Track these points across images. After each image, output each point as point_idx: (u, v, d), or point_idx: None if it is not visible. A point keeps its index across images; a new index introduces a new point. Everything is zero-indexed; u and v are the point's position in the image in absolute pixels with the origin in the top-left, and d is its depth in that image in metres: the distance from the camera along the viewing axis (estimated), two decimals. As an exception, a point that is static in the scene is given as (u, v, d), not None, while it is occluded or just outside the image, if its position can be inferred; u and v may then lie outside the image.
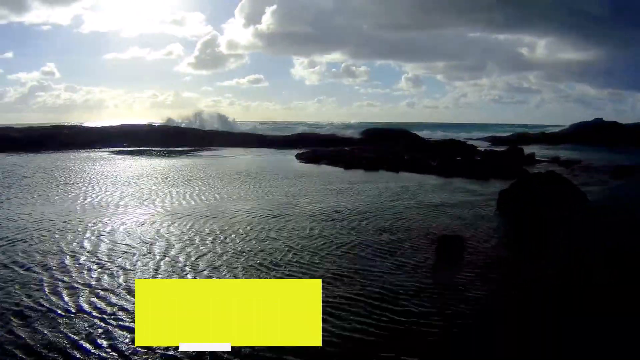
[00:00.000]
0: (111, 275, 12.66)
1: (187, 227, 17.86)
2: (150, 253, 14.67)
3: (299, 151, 50.61)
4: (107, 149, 56.57)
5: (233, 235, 16.74)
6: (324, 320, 8.78)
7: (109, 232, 17.06)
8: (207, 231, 17.32)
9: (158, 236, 16.59)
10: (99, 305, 10.67)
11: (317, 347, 7.56)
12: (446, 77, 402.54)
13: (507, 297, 11.43)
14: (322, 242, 15.92)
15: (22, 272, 12.94)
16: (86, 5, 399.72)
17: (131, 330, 9.20)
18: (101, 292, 11.40)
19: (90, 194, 25.38)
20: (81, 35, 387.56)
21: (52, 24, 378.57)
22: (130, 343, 8.83)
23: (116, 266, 13.38)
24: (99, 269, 13.09)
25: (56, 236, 16.52)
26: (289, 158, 48.72)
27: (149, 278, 12.45)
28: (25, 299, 11.05)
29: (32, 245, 15.47)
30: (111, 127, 74.68)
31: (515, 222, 19.50)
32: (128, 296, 11.16)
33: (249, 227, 17.92)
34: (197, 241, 15.95)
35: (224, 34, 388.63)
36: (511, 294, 11.60)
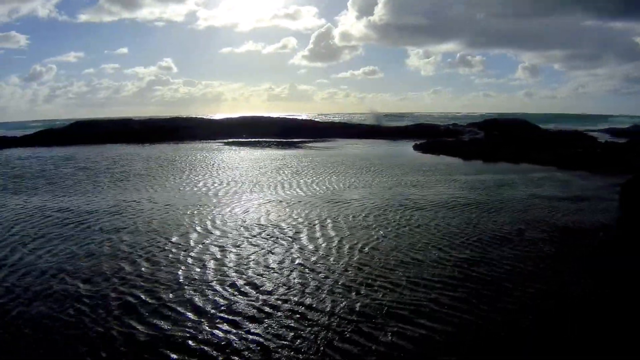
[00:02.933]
0: (231, 259, 13.04)
1: (303, 215, 17.92)
2: (268, 239, 14.88)
3: (417, 142, 49.33)
4: (225, 140, 57.66)
5: (348, 223, 16.66)
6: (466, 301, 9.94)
7: (225, 219, 17.44)
8: (323, 219, 17.27)
9: (272, 222, 16.88)
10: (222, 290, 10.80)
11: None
12: (563, 66, 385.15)
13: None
14: (441, 232, 15.48)
15: (142, 254, 13.47)
16: (199, 2, 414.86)
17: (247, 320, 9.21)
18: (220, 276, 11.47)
19: (206, 182, 26.28)
20: (196, 31, 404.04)
21: (165, 20, 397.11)
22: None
23: (234, 251, 13.73)
24: (220, 253, 13.52)
25: (174, 223, 16.97)
26: (405, 149, 47.68)
27: (270, 263, 12.63)
28: (154, 277, 11.23)
29: (154, 230, 16.16)
30: (230, 119, 76.32)
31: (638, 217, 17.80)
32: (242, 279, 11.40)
33: (367, 217, 17.63)
34: (314, 229, 15.99)
35: (338, 26, 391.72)
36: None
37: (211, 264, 12.57)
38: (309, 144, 53.47)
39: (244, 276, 11.62)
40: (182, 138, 58.84)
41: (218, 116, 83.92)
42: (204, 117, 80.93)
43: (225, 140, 57.40)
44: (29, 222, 17.28)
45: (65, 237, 15.32)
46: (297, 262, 12.61)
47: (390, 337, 8.42)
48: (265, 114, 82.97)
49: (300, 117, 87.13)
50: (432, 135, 58.74)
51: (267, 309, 9.72)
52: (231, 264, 12.53)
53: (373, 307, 9.73)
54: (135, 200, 20.96)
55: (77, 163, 35.80)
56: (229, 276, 11.65)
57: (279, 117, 78.65)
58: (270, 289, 10.81)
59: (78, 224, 16.98)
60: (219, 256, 13.23)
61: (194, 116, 76.70)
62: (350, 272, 11.79)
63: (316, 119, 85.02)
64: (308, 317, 9.29)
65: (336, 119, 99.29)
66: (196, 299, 10.35)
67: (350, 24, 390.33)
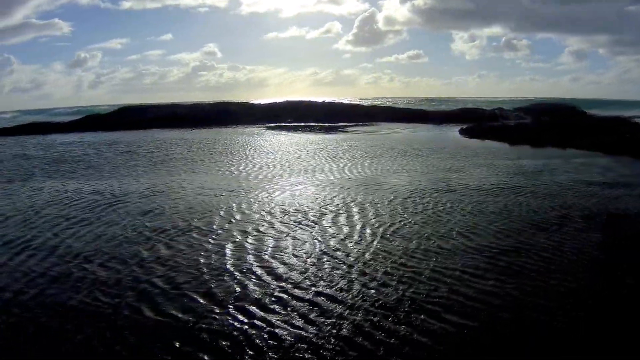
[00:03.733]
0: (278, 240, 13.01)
1: (336, 200, 17.57)
2: (296, 224, 14.56)
3: (463, 126, 48.51)
4: (268, 125, 57.70)
5: (381, 209, 16.16)
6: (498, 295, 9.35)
7: (256, 203, 17.27)
8: (357, 203, 16.93)
9: (304, 207, 16.60)
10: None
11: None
12: (608, 51, 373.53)
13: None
14: (478, 219, 14.86)
15: (162, 238, 13.33)
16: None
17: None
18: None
19: (242, 166, 26.26)
20: (239, 16, 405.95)
21: (209, 6, 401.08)
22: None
23: (280, 232, 13.72)
24: (244, 238, 13.24)
25: (201, 207, 16.86)
26: (450, 133, 46.90)
27: (294, 249, 12.30)
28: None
29: (179, 213, 16.11)
30: (274, 103, 76.29)
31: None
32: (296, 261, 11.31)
33: (401, 202, 17.15)
34: (346, 214, 15.62)
35: (382, 10, 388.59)
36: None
37: (233, 249, 12.28)
38: (352, 128, 53.01)
39: (265, 263, 11.28)
40: (226, 123, 59.09)
41: (262, 101, 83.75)
42: (249, 102, 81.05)
43: (268, 125, 57.43)
44: (60, 206, 17.36)
45: (92, 221, 15.29)
46: (323, 249, 12.18)
47: (413, 332, 7.88)
48: (310, 99, 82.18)
49: (344, 102, 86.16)
50: (477, 120, 57.51)
51: (285, 298, 9.36)
52: (254, 250, 12.21)
53: (398, 298, 9.20)
54: (168, 185, 20.93)
55: (119, 148, 36.19)
56: (249, 262, 11.34)
57: (322, 102, 78.19)
58: (291, 276, 10.41)
59: (107, 207, 16.98)
60: (241, 241, 12.95)
61: (238, 101, 76.92)
62: (377, 260, 11.26)
63: (360, 104, 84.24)
64: (329, 308, 8.84)
65: (380, 103, 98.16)
66: (212, 285, 10.03)
67: (394, 8, 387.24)
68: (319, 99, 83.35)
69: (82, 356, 7.47)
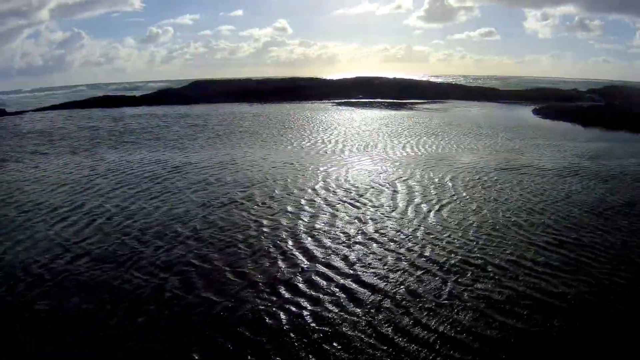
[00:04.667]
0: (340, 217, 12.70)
1: (400, 176, 17.17)
2: (365, 199, 14.36)
3: (535, 106, 46.89)
4: (338, 100, 57.20)
5: (455, 187, 15.80)
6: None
7: (337, 176, 17.28)
8: (445, 180, 16.61)
9: (375, 182, 16.38)
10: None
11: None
12: None
13: None
14: (543, 202, 14.15)
15: (200, 211, 13.23)
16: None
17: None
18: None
19: (306, 140, 25.99)
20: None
21: None
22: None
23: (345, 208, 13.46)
24: (290, 214, 12.98)
25: (285, 179, 16.89)
26: (522, 112, 45.27)
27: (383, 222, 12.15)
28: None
29: (255, 185, 16.20)
30: (344, 79, 75.67)
31: None
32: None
33: (471, 180, 16.72)
34: (435, 190, 15.39)
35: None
36: None
37: (287, 223, 12.08)
38: (422, 106, 51.90)
39: (316, 239, 11.00)
40: (297, 98, 58.97)
41: (332, 77, 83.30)
42: (319, 77, 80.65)
43: (337, 101, 56.92)
44: (115, 176, 17.62)
45: (140, 191, 15.48)
46: (371, 229, 11.67)
47: (447, 328, 7.33)
48: (380, 75, 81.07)
49: (414, 79, 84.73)
50: (550, 100, 55.47)
51: (341, 282, 8.91)
52: (307, 226, 11.90)
53: (437, 288, 8.65)
54: (231, 157, 20.96)
55: (188, 121, 36.58)
56: (294, 242, 10.99)
57: (393, 78, 76.87)
58: (346, 258, 9.96)
59: (165, 178, 17.14)
60: (296, 215, 12.71)
61: (309, 76, 76.66)
62: (427, 245, 10.69)
63: (431, 80, 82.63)
64: (365, 294, 8.38)
65: (451, 81, 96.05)
66: (248, 263, 9.83)
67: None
68: (390, 76, 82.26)
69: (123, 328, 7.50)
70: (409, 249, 10.40)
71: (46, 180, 17.14)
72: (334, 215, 12.73)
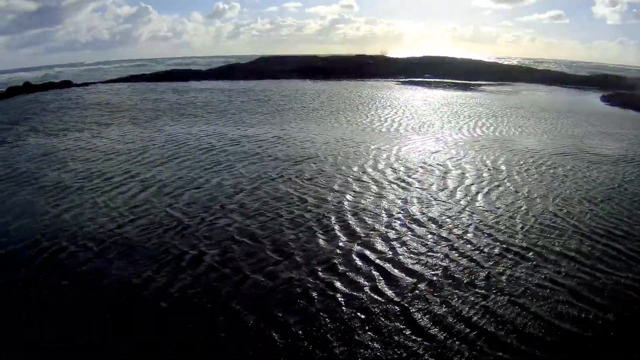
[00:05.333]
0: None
1: (461, 158, 16.67)
2: (419, 179, 14.01)
3: (604, 93, 45.09)
4: (404, 79, 56.48)
5: (510, 171, 15.16)
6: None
7: (388, 155, 16.93)
8: (497, 163, 16.07)
9: (432, 162, 15.98)
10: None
11: None
12: None
13: None
14: (604, 190, 13.47)
15: (246, 185, 13.31)
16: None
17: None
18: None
19: (374, 119, 25.49)
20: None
21: None
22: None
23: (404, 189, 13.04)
24: (339, 193, 12.69)
25: (337, 156, 16.73)
26: (590, 99, 43.53)
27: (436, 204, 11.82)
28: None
29: (275, 160, 15.84)
30: (411, 58, 74.62)
31: None
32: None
33: (529, 165, 16.06)
34: (487, 172, 14.94)
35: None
36: None
37: (319, 203, 11.89)
38: (488, 87, 50.56)
39: (359, 221, 10.73)
40: (363, 75, 58.49)
41: (399, 55, 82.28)
42: (385, 55, 79.74)
43: (403, 80, 56.18)
44: (171, 147, 17.94)
45: (193, 162, 15.71)
46: (426, 211, 11.34)
47: (506, 317, 7.09)
48: (448, 55, 79.51)
49: (482, 60, 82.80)
50: (620, 88, 53.30)
51: (377, 263, 8.70)
52: (346, 207, 11.69)
53: (497, 277, 8.29)
54: (290, 132, 20.98)
55: (251, 95, 36.84)
56: (336, 219, 10.85)
57: (460, 58, 75.25)
58: (385, 239, 9.73)
59: (214, 151, 17.33)
60: (332, 195, 12.51)
61: (374, 54, 75.89)
62: (475, 230, 10.30)
63: (499, 62, 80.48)
64: (407, 278, 8.14)
65: (520, 63, 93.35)
66: (288, 240, 9.77)
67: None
68: (457, 56, 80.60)
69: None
70: (450, 232, 10.10)
71: (103, 150, 17.62)
72: (379, 195, 12.48)
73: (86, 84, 48.65)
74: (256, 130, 21.44)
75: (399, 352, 6.30)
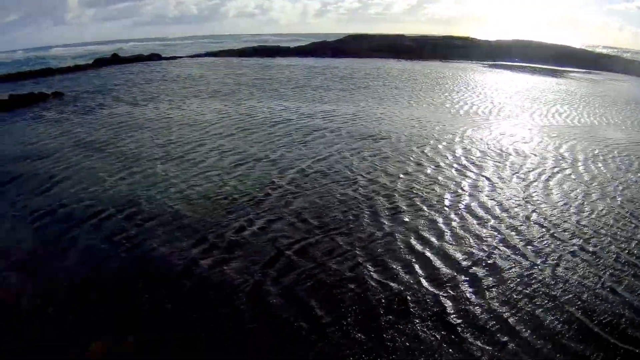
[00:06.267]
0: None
1: (546, 147, 15.71)
2: (497, 165, 13.34)
3: None
4: (492, 62, 54.94)
5: (591, 161, 14.29)
6: None
7: (460, 139, 16.18)
8: (566, 153, 15.10)
9: (508, 148, 15.23)
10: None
11: None
12: None
13: None
14: None
15: (311, 163, 13.02)
16: None
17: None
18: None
19: (456, 101, 24.56)
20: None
21: None
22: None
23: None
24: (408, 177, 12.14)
25: (410, 136, 16.31)
26: None
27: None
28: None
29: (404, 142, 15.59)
30: (500, 41, 72.49)
31: None
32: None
33: (614, 157, 14.91)
34: (559, 160, 14.09)
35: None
36: None
37: (374, 185, 11.56)
38: (575, 74, 48.51)
39: (412, 206, 10.26)
40: (450, 57, 57.32)
41: (487, 37, 80.00)
42: (473, 37, 77.80)
43: (490, 63, 54.50)
44: (243, 120, 18.25)
45: (260, 136, 15.82)
46: (487, 201, 10.65)
47: (553, 324, 6.63)
48: (535, 39, 76.56)
49: (571, 46, 79.43)
50: None
51: (421, 253, 8.20)
52: (402, 190, 11.31)
53: (546, 277, 7.83)
54: (358, 110, 20.73)
55: (335, 73, 36.72)
56: (389, 203, 10.50)
57: (548, 43, 72.38)
58: (436, 228, 9.20)
59: (282, 125, 17.43)
60: (390, 177, 12.14)
61: (463, 36, 74.19)
62: (542, 225, 9.53)
63: (588, 49, 76.89)
64: (466, 274, 7.61)
65: (609, 52, 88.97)
66: (334, 220, 9.58)
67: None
68: (545, 40, 77.67)
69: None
70: (508, 226, 9.42)
71: (180, 120, 18.13)
72: (437, 181, 11.92)
73: (173, 57, 49.95)
74: (333, 106, 21.38)
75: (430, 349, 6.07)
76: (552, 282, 7.39)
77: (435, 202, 10.45)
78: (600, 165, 13.86)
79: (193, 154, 13.72)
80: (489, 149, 14.91)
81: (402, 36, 71.58)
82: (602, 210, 10.41)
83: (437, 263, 7.89)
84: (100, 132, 16.44)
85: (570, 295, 7.06)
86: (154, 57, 48.70)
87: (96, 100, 22.78)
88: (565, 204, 10.66)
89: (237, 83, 29.16)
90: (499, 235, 8.94)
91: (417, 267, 7.76)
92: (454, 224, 9.39)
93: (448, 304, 6.81)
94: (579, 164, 13.84)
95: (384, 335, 6.16)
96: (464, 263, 7.91)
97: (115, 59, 44.29)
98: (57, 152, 14.06)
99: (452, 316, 6.55)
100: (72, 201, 10.30)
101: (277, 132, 16.39)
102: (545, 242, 8.76)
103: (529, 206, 10.40)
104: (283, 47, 61.95)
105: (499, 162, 13.55)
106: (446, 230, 9.07)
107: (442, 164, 13.19)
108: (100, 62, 42.36)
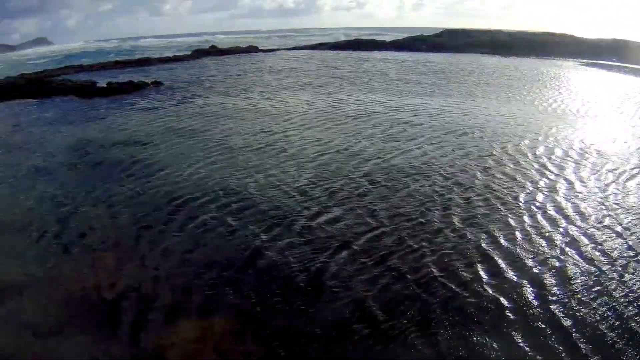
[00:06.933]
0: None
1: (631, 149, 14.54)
2: (595, 169, 12.43)
3: None
4: (590, 60, 52.53)
5: None
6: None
7: (545, 140, 15.24)
8: None
9: (609, 151, 14.06)
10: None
11: None
12: None
13: None
14: None
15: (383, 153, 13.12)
16: None
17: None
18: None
19: (554, 100, 22.99)
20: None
21: None
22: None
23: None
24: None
25: (495, 133, 15.93)
26: None
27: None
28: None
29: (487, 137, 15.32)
30: (601, 40, 69.50)
31: None
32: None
33: None
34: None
35: None
36: None
37: (451, 184, 11.39)
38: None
39: (487, 206, 10.02)
40: (547, 53, 55.40)
41: (587, 35, 76.74)
42: (571, 34, 74.93)
43: (588, 61, 51.96)
44: (330, 112, 18.53)
45: (335, 126, 16.21)
46: (566, 206, 10.04)
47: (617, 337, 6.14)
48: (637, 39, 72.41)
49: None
50: None
51: (490, 256, 7.91)
52: (479, 188, 11.09)
53: (614, 285, 7.26)
54: (443, 104, 20.41)
55: (427, 67, 36.28)
56: (463, 207, 10.33)
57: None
58: (509, 233, 8.94)
59: (364, 118, 17.57)
60: (468, 175, 11.94)
61: (561, 32, 71.54)
62: (617, 233, 8.90)
63: None
64: (538, 284, 7.17)
65: None
66: (409, 215, 9.61)
67: None
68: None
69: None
70: (579, 229, 8.97)
71: (266, 111, 18.81)
72: (514, 180, 11.54)
73: (270, 50, 50.91)
74: (422, 100, 21.30)
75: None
76: (616, 290, 7.07)
77: (509, 201, 10.21)
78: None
79: (277, 143, 14.13)
80: (571, 148, 14.14)
81: (498, 31, 69.91)
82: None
83: (503, 265, 7.71)
84: (191, 120, 17.36)
85: (634, 309, 6.65)
86: (252, 49, 49.85)
87: (191, 90, 23.85)
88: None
89: (328, 75, 29.53)
90: (568, 239, 8.58)
91: (481, 266, 7.65)
92: (525, 225, 9.13)
93: (507, 304, 6.71)
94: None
95: (439, 336, 6.13)
96: (530, 265, 7.69)
97: (213, 50, 45.65)
98: (149, 138, 15.01)
99: (510, 317, 6.46)
100: (156, 185, 11.07)
101: (362, 124, 16.52)
102: (616, 247, 8.32)
103: (604, 210, 9.88)
104: (379, 40, 61.82)
105: (580, 162, 12.88)
106: (516, 233, 8.80)
107: (522, 162, 12.81)
108: (199, 53, 43.79)
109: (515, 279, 7.31)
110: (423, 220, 9.17)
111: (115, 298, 6.89)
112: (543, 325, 6.30)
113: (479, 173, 11.90)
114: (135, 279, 7.35)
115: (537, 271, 7.54)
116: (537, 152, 13.75)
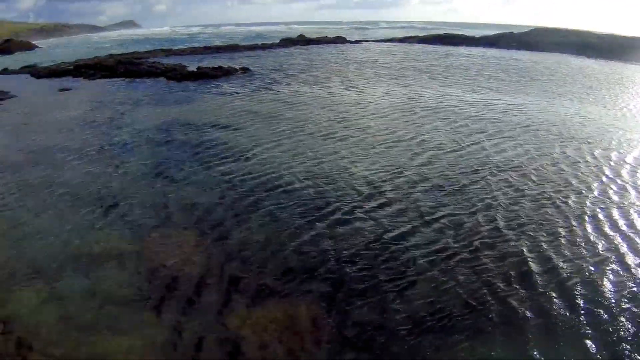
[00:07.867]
0: None
1: None
2: None
3: None
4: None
5: None
6: None
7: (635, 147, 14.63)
8: None
9: None
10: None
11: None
12: None
13: None
14: None
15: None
16: None
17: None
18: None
19: (634, 106, 22.00)
20: None
21: None
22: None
23: None
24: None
25: (560, 132, 15.71)
26: None
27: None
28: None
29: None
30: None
31: None
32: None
33: None
34: None
35: None
36: None
37: (514, 193, 11.21)
38: None
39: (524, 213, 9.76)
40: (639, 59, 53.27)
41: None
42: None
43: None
44: (406, 105, 18.96)
45: (404, 117, 16.78)
46: (613, 220, 9.56)
47: None
48: None
49: None
50: None
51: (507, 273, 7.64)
52: (529, 199, 10.51)
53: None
54: (522, 101, 20.49)
55: (512, 64, 35.94)
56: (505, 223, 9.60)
57: None
58: (537, 247, 8.43)
59: (430, 110, 17.98)
60: (528, 183, 12.13)
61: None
62: None
63: None
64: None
65: None
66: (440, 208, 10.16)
67: None
68: None
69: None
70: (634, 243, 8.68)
71: (342, 101, 19.69)
72: (570, 183, 11.31)
73: (358, 41, 51.22)
74: (499, 96, 21.60)
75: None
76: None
77: (561, 205, 10.08)
78: None
79: (342, 131, 14.91)
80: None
81: (589, 33, 67.71)
82: None
83: (539, 275, 7.59)
84: (272, 105, 18.59)
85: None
86: (339, 39, 50.39)
87: (276, 78, 25.01)
88: None
89: (410, 68, 30.06)
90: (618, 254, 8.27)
91: (516, 275, 7.57)
92: (575, 236, 8.85)
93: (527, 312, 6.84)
94: None
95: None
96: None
97: (300, 40, 46.51)
98: (234, 120, 16.28)
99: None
100: (239, 168, 11.96)
101: (431, 115, 17.09)
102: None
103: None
104: (467, 36, 61.03)
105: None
106: (563, 244, 8.54)
107: (581, 165, 12.58)
108: (286, 42, 44.76)
109: (558, 293, 7.25)
110: (467, 222, 9.23)
111: (200, 275, 7.41)
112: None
113: (532, 174, 11.75)
114: (218, 259, 7.89)
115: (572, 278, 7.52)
116: (595, 154, 13.50)
